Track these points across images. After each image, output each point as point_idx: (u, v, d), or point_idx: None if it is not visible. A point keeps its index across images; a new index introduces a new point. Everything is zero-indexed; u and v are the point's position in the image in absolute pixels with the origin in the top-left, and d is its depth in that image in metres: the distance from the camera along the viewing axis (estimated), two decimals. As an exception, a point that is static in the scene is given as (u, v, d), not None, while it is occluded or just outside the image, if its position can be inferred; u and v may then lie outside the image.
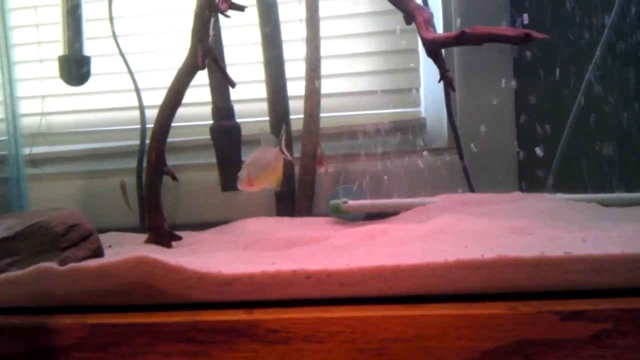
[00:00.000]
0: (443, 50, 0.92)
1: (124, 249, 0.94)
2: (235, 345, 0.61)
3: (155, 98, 1.36)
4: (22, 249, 0.77)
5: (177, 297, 0.67)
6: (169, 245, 0.99)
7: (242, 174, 0.94)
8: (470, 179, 1.24)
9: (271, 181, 0.97)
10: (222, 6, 0.88)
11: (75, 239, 0.80)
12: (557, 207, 0.99)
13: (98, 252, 0.84)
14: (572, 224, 0.84)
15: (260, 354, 0.61)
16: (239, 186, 0.94)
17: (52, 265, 0.70)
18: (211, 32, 0.95)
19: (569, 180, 1.18)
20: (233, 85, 1.00)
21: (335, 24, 1.38)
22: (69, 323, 0.65)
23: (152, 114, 1.33)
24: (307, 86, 1.28)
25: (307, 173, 1.28)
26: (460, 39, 0.88)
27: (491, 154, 1.28)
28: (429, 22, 0.94)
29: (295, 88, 1.32)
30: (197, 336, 0.62)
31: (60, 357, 0.65)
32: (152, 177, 0.99)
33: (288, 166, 1.24)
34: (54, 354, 0.65)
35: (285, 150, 0.98)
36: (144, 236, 1.06)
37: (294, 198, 1.30)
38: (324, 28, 1.31)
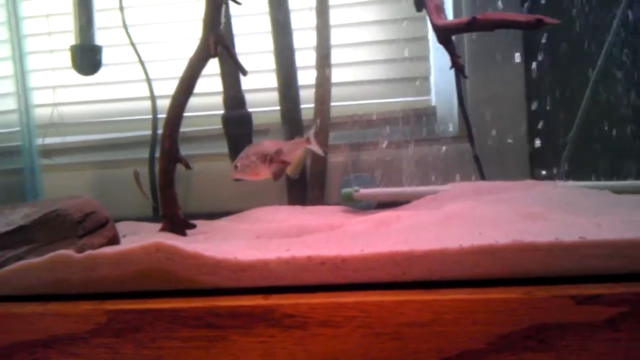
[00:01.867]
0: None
1: (139, 237, 0.95)
2: (253, 330, 0.62)
3: (166, 88, 1.36)
4: (40, 237, 0.77)
5: (194, 283, 0.68)
6: (183, 233, 1.00)
7: (240, 163, 0.93)
8: (481, 167, 1.24)
9: (268, 173, 0.97)
10: (234, -8, 0.89)
11: (92, 226, 0.81)
12: (570, 194, 0.99)
13: (114, 240, 0.84)
14: (586, 210, 0.84)
15: (277, 338, 0.61)
16: (235, 174, 0.94)
17: (69, 252, 0.71)
18: (222, 20, 0.95)
19: (581, 167, 1.18)
20: (245, 72, 1.00)
21: (345, 11, 1.38)
22: (87, 309, 0.66)
23: (163, 103, 1.33)
24: (317, 74, 1.28)
25: (318, 162, 1.29)
26: (472, 25, 0.88)
27: (502, 141, 1.28)
28: (440, 9, 0.94)
29: (306, 77, 1.32)
30: (216, 321, 0.62)
31: (79, 342, 0.66)
32: (166, 164, 0.99)
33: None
34: (73, 340, 0.66)
35: (314, 142, 0.98)
36: (158, 225, 1.07)
37: (305, 187, 1.30)
38: (334, 16, 1.30)
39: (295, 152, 0.99)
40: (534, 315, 0.57)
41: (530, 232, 0.67)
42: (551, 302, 0.57)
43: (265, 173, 0.96)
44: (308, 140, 0.99)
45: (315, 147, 1.00)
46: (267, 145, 0.96)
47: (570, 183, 1.10)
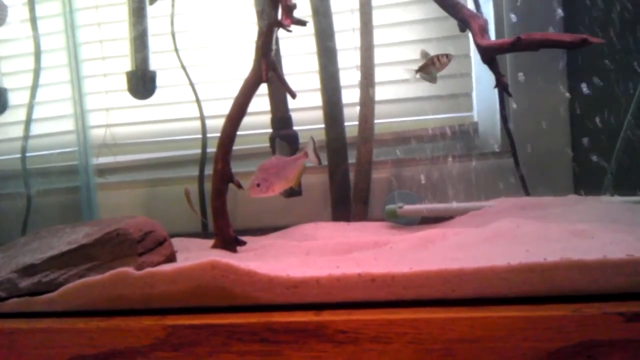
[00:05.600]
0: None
1: (193, 254, 0.98)
2: (306, 345, 0.64)
3: (214, 108, 1.41)
4: (101, 255, 0.81)
5: (248, 300, 0.71)
6: (234, 250, 1.03)
7: (259, 182, 0.99)
8: (525, 183, 1.24)
9: (284, 186, 1.04)
10: (286, 22, 0.92)
11: (151, 245, 0.84)
12: (616, 210, 0.98)
13: (172, 258, 0.87)
14: (633, 227, 0.83)
15: (330, 353, 0.63)
16: (250, 193, 1.00)
17: (129, 269, 0.74)
18: (273, 47, 0.99)
19: (627, 182, 1.17)
20: (294, 96, 1.03)
21: (388, 31, 1.40)
22: (148, 324, 0.69)
23: (212, 123, 1.38)
24: (361, 94, 1.31)
25: (363, 179, 1.31)
26: (516, 45, 0.89)
27: (546, 158, 1.28)
28: (484, 29, 0.96)
29: (349, 95, 1.35)
30: (270, 336, 0.65)
31: (139, 356, 0.69)
32: (219, 184, 1.03)
33: (342, 172, 1.31)
34: (134, 354, 0.69)
35: (313, 155, 1.04)
36: (208, 241, 1.10)
37: (349, 203, 1.32)
38: (377, 36, 1.33)
39: (296, 166, 1.04)
40: (583, 332, 0.58)
41: (577, 249, 0.68)
42: (600, 319, 0.58)
43: (280, 188, 1.03)
44: (306, 154, 1.04)
45: (314, 159, 1.05)
46: (276, 162, 1.03)
47: (616, 198, 1.09)
